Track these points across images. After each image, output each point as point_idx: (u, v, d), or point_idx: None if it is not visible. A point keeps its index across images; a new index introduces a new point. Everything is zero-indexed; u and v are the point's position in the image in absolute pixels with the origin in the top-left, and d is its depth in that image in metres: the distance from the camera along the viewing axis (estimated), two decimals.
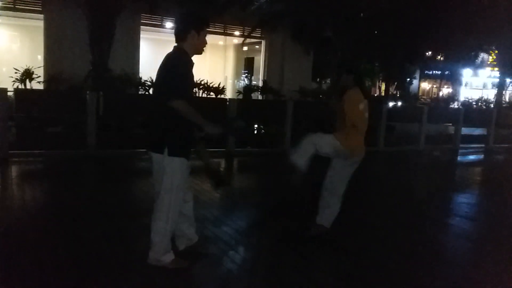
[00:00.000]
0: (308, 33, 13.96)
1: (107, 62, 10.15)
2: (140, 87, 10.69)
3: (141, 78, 10.69)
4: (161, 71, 3.18)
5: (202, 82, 9.71)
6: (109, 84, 9.76)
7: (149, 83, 9.91)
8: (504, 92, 28.50)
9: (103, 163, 7.40)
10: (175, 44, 3.22)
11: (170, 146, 3.16)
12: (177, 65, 3.12)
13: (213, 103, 9.20)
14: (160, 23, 14.67)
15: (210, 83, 9.88)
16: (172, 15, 13.90)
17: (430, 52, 22.16)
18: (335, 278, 3.45)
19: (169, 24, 14.47)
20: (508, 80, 28.09)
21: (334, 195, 4.18)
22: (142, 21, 14.16)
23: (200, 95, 9.73)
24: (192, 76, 3.24)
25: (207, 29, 3.25)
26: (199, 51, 3.27)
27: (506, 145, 12.90)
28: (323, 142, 4.01)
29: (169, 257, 3.29)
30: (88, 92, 8.17)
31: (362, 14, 13.25)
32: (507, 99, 31.98)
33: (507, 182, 8.28)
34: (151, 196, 5.54)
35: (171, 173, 3.19)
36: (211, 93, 9.74)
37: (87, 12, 9.93)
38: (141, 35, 14.29)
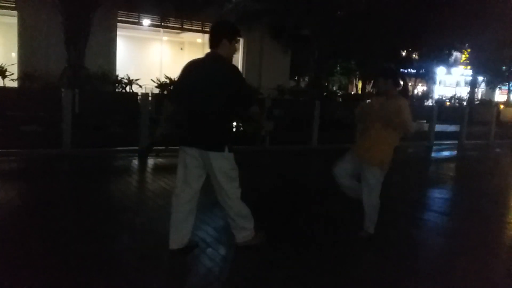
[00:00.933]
0: (286, 32, 14.06)
1: (83, 60, 10.02)
2: (117, 84, 10.58)
3: (117, 76, 10.57)
4: (214, 75, 3.38)
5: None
6: (85, 82, 9.64)
7: (125, 81, 9.80)
8: (476, 89, 29.21)
9: (79, 162, 7.31)
10: (210, 50, 3.46)
11: (229, 144, 3.45)
12: (235, 72, 3.43)
13: None
14: (137, 21, 14.54)
15: None
16: (149, 12, 13.80)
17: (405, 51, 22.56)
18: (313, 274, 3.51)
19: (146, 22, 14.36)
20: (480, 78, 28.81)
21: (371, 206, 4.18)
22: (119, 18, 14.01)
23: None
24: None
25: (238, 39, 3.53)
26: (230, 59, 3.50)
27: (478, 142, 13.26)
28: (373, 181, 4.07)
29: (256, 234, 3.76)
30: (63, 90, 8.05)
31: (339, 13, 13.41)
32: (479, 97, 32.81)
33: (478, 177, 8.53)
34: (127, 195, 5.57)
35: (231, 167, 3.52)
36: None
37: (62, 9, 9.77)
38: (118, 33, 14.13)
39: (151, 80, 10.15)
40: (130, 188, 5.92)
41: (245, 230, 3.71)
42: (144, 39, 17.75)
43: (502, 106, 23.32)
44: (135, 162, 7.58)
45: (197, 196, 3.65)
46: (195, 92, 3.41)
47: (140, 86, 9.77)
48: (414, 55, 23.57)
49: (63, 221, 4.31)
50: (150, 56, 18.07)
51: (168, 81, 9.69)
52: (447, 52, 24.05)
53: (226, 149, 3.42)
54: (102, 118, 8.90)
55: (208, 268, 3.46)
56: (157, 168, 7.31)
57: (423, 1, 12.13)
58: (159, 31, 16.24)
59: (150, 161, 7.64)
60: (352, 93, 27.27)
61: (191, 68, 3.49)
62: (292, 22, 12.61)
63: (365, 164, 4.10)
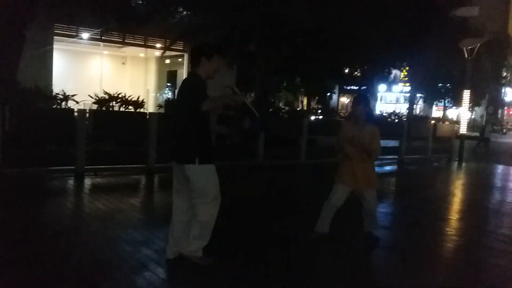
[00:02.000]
0: (232, 47, 14.04)
1: (16, 74, 9.43)
2: (54, 100, 10.03)
3: (52, 91, 10.01)
4: (181, 91, 3.67)
5: (120, 95, 9.30)
6: (17, 97, 9.05)
7: (61, 96, 9.29)
8: (414, 106, 30.62)
9: (10, 182, 6.80)
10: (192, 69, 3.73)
11: (200, 156, 3.56)
12: (192, 84, 3.62)
13: (132, 117, 8.86)
14: (75, 34, 14.00)
15: (129, 97, 9.51)
16: (88, 26, 13.34)
17: (348, 69, 23.26)
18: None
19: (85, 35, 13.86)
20: (418, 95, 30.27)
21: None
22: (56, 31, 13.43)
23: (118, 109, 9.31)
24: (206, 94, 3.55)
25: (218, 56, 3.74)
26: (211, 76, 3.73)
27: (417, 156, 13.77)
28: (372, 199, 4.61)
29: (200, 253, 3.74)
30: None
31: (284, 31, 13.58)
32: (417, 113, 34.41)
33: (418, 191, 8.80)
34: (61, 218, 5.19)
35: (204, 180, 3.58)
36: (130, 107, 9.36)
37: None
38: (55, 46, 13.54)
39: (89, 95, 9.72)
40: (65, 211, 5.54)
41: (193, 246, 3.72)
42: (84, 53, 17.15)
43: (433, 122, 24.52)
44: (71, 182, 7.16)
45: (186, 212, 3.75)
46: (177, 109, 3.76)
47: (77, 102, 9.31)
48: (356, 73, 24.34)
49: None
50: (90, 71, 17.46)
51: (107, 96, 9.30)
52: (387, 70, 25.06)
53: (197, 160, 3.52)
54: (36, 136, 8.37)
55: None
56: (94, 188, 6.94)
57: (364, 21, 12.52)
58: (99, 44, 15.74)
59: (87, 181, 7.25)
60: (298, 109, 27.69)
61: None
62: (237, 38, 12.61)
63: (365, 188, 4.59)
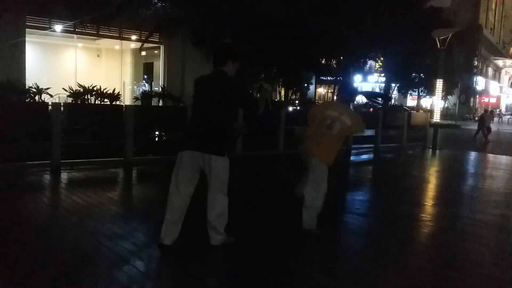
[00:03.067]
0: (208, 39, 13.95)
1: None
2: (28, 94, 9.80)
3: (25, 85, 9.77)
4: (222, 88, 3.88)
5: (95, 88, 9.16)
6: None
7: (34, 90, 9.09)
8: (390, 96, 31.03)
9: None
10: (216, 67, 3.99)
11: (228, 150, 3.89)
12: (240, 85, 4.03)
13: (108, 110, 8.75)
14: (48, 26, 13.68)
15: (104, 89, 9.37)
16: (61, 18, 13.05)
17: (324, 60, 23.40)
18: (234, 283, 3.43)
19: (58, 27, 13.55)
20: (393, 84, 30.70)
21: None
22: (28, 23, 13.10)
23: (94, 102, 9.18)
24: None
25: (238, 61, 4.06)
26: (232, 75, 4.03)
27: (392, 145, 14.02)
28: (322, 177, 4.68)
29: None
30: None
31: (260, 22, 13.58)
32: (392, 102, 34.92)
33: (394, 178, 8.99)
34: (37, 213, 5.12)
35: (227, 172, 3.91)
36: (106, 100, 9.24)
37: None
38: (27, 39, 13.21)
39: (63, 89, 9.54)
40: (41, 206, 5.47)
41: (219, 234, 4.01)
42: (57, 45, 16.78)
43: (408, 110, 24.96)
44: (47, 177, 7.06)
45: (189, 199, 3.94)
46: (207, 103, 3.88)
47: (51, 96, 9.13)
48: (332, 64, 24.51)
49: None
50: (64, 64, 17.10)
51: (81, 89, 9.14)
52: (362, 60, 25.32)
53: (226, 154, 3.86)
54: (9, 131, 8.19)
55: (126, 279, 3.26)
56: (71, 183, 6.86)
57: (337, 13, 12.63)
58: (73, 37, 15.42)
59: (64, 175, 7.16)
60: (276, 100, 27.75)
61: (203, 83, 4.02)
62: (213, 29, 12.54)
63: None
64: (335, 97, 4.89)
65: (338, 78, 26.99)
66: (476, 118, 42.51)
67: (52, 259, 3.71)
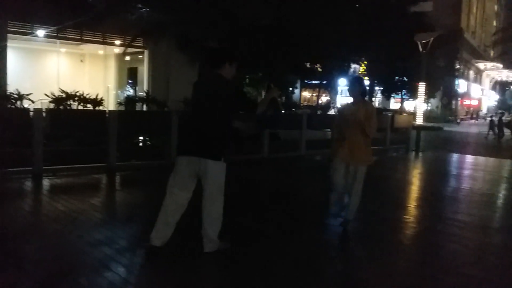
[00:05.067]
0: (193, 44, 13.93)
1: None
2: (9, 100, 9.64)
3: (6, 91, 9.62)
4: (216, 92, 3.86)
5: (78, 94, 9.07)
6: None
7: (15, 96, 8.97)
8: (373, 99, 31.36)
9: None
10: (213, 70, 3.98)
11: (224, 154, 3.87)
12: (234, 88, 4.00)
13: (91, 115, 8.68)
14: (30, 31, 13.52)
15: (87, 94, 9.29)
16: (43, 23, 12.92)
17: (309, 63, 23.53)
18: None
19: (40, 32, 13.41)
20: (377, 88, 31.02)
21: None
22: (9, 28, 12.94)
23: (76, 108, 9.08)
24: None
25: (236, 62, 4.03)
26: (229, 78, 4.00)
27: (375, 147, 14.09)
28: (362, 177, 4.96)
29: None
30: None
31: (244, 26, 13.61)
32: (377, 105, 35.24)
33: (376, 180, 9.03)
34: (18, 220, 5.03)
35: (222, 177, 3.91)
36: (89, 105, 9.15)
37: None
38: (9, 44, 13.04)
39: (45, 94, 9.43)
40: (23, 213, 5.39)
41: (213, 240, 3.97)
42: (40, 50, 16.57)
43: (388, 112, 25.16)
44: (29, 184, 6.96)
45: (185, 204, 3.95)
46: (203, 107, 3.88)
47: (33, 102, 9.02)
48: (317, 67, 24.66)
49: None
50: (47, 69, 16.91)
51: (64, 95, 9.04)
52: (346, 64, 25.52)
53: (222, 158, 3.85)
54: None
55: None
56: (53, 189, 6.78)
57: (321, 17, 12.71)
58: (55, 42, 15.26)
59: (46, 182, 7.07)
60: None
61: (200, 87, 4.02)
62: (197, 34, 12.52)
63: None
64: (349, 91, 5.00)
65: (323, 82, 27.17)
66: (459, 121, 43.19)
67: (33, 267, 3.66)
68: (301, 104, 30.19)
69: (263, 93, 29.20)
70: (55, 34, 13.58)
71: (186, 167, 3.87)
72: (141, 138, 10.55)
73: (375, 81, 29.06)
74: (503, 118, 24.21)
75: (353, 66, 30.23)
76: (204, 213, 3.94)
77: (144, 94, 12.93)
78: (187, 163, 3.86)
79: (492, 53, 69.85)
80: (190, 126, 3.96)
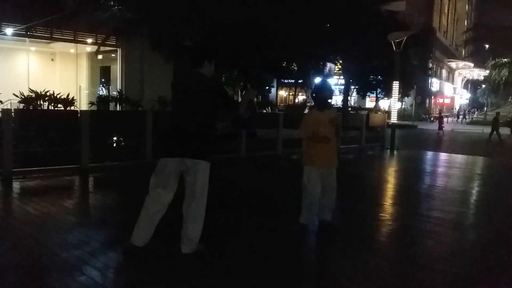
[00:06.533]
0: (167, 42, 13.75)
1: None
2: None
3: None
4: (199, 91, 3.80)
5: (48, 94, 8.81)
6: None
7: None
8: (349, 97, 31.67)
9: None
10: (193, 68, 3.92)
11: (209, 153, 3.84)
12: (219, 87, 4.05)
13: (63, 115, 8.45)
14: None
15: (58, 94, 9.05)
16: (11, 21, 12.54)
17: (285, 63, 23.60)
18: None
19: (9, 30, 13.00)
20: (352, 87, 31.34)
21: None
22: None
23: (47, 108, 8.82)
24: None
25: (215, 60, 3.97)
26: (209, 76, 3.95)
27: (352, 146, 14.25)
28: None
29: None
30: None
31: (218, 24, 13.52)
32: (352, 104, 35.64)
33: (352, 178, 9.11)
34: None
35: (207, 177, 3.86)
36: (60, 105, 8.91)
37: None
38: None
39: (14, 94, 9.14)
40: None
41: (193, 242, 3.90)
42: (8, 49, 16.07)
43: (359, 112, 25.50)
44: None
45: (166, 205, 3.86)
46: (185, 106, 3.80)
47: (1, 102, 8.73)
48: (293, 66, 24.74)
49: None
50: (16, 69, 16.43)
51: (33, 95, 8.78)
52: (322, 63, 25.69)
53: (207, 158, 3.83)
54: None
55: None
56: (24, 192, 6.56)
57: (295, 16, 12.73)
58: (25, 40, 14.83)
59: (16, 185, 6.84)
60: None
61: (180, 86, 3.92)
62: (171, 32, 12.36)
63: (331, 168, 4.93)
64: (312, 101, 4.99)
65: (299, 81, 27.30)
66: (432, 119, 44.06)
67: (2, 272, 3.52)
68: (278, 104, 30.22)
69: (239, 93, 29.22)
70: (24, 33, 13.19)
71: (170, 168, 3.80)
72: (115, 138, 10.34)
73: (350, 80, 29.34)
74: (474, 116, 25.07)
75: (329, 65, 30.50)
76: (186, 213, 3.87)
77: (117, 94, 12.69)
78: (172, 164, 3.79)
79: (463, 52, 71.59)
80: (173, 127, 3.86)
